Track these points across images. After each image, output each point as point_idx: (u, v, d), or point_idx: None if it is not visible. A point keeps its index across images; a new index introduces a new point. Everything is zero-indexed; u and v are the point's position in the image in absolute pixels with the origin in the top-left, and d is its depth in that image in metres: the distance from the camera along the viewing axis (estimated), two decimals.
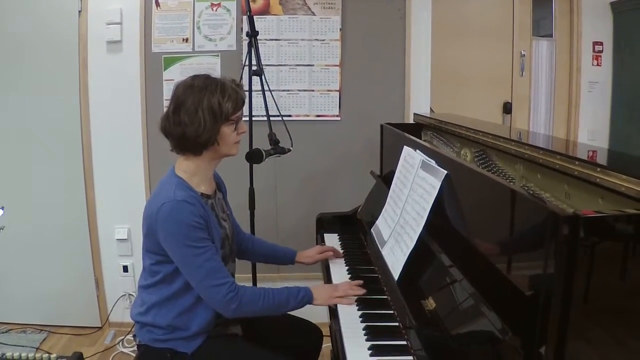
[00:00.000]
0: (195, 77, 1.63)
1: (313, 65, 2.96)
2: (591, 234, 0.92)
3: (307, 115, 2.99)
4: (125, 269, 3.09)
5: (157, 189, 1.65)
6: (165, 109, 1.67)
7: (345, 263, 2.07)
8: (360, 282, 1.77)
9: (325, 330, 1.90)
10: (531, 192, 1.38)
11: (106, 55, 2.91)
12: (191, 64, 2.92)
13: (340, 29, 2.93)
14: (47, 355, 1.81)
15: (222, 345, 1.68)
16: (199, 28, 2.91)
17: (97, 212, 3.04)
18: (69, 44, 2.88)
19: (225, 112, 1.59)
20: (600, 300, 0.96)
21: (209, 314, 1.63)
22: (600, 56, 3.36)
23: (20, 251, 3.03)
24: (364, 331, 1.51)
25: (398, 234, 1.68)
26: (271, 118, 2.37)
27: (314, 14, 2.91)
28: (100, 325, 3.12)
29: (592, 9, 3.33)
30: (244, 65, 2.43)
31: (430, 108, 3.05)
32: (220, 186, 1.84)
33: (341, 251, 2.16)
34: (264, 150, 2.23)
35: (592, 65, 3.37)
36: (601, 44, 3.34)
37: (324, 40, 2.94)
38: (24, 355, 1.82)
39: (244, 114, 1.74)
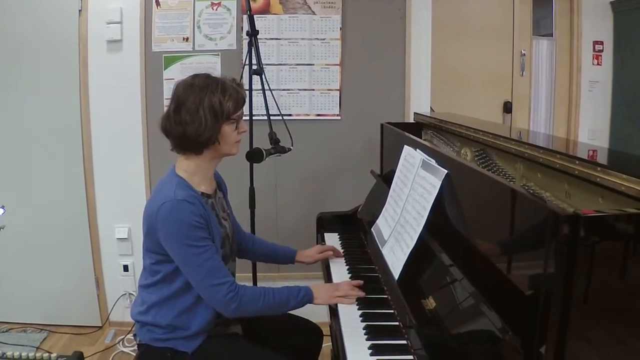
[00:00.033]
0: (195, 76, 1.63)
1: (313, 64, 2.96)
2: (591, 234, 0.92)
3: (308, 115, 2.99)
4: (126, 268, 3.10)
5: (157, 188, 1.65)
6: (165, 109, 1.67)
7: (345, 262, 2.07)
8: (361, 282, 1.76)
9: (326, 330, 1.90)
10: (531, 191, 1.38)
11: (106, 54, 2.91)
12: (191, 63, 2.91)
13: (340, 28, 2.93)
14: (47, 354, 1.81)
15: (223, 345, 1.68)
16: (199, 27, 2.91)
17: (98, 211, 3.04)
18: (69, 43, 2.88)
19: (226, 111, 1.59)
20: (601, 300, 0.96)
21: (209, 314, 1.63)
22: (601, 55, 3.35)
23: (20, 250, 3.03)
24: (364, 330, 1.51)
25: (398, 234, 1.68)
26: (271, 117, 2.37)
27: (314, 13, 2.91)
28: (100, 325, 3.12)
29: (592, 9, 3.33)
30: (244, 65, 2.43)
31: (431, 107, 3.05)
32: (220, 185, 1.84)
33: (341, 250, 2.16)
34: (264, 150, 2.23)
35: (593, 64, 3.36)
36: (601, 43, 3.34)
37: (324, 39, 2.94)
38: (24, 354, 1.82)
39: (244, 113, 1.74)
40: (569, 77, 3.43)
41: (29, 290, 3.08)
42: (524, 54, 3.56)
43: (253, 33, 2.36)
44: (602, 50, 3.35)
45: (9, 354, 1.83)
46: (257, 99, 2.51)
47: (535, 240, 1.03)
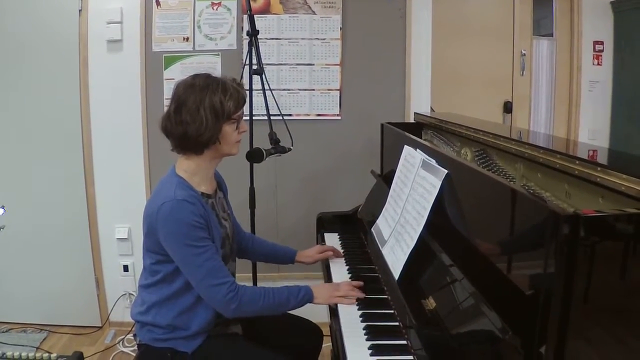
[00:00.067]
0: (195, 76, 1.63)
1: (313, 64, 2.96)
2: (591, 234, 0.92)
3: (308, 115, 2.99)
4: (126, 268, 3.09)
5: (157, 188, 1.65)
6: (165, 109, 1.67)
7: (345, 262, 2.07)
8: (361, 283, 1.76)
9: (326, 330, 1.90)
10: (531, 191, 1.38)
11: (106, 54, 2.91)
12: (191, 63, 2.91)
13: (340, 28, 2.93)
14: (47, 354, 1.81)
15: (223, 345, 1.68)
16: (199, 27, 2.91)
17: (98, 211, 3.04)
18: (69, 43, 2.88)
19: (227, 111, 1.59)
20: (601, 300, 0.96)
21: (210, 314, 1.63)
22: (601, 55, 3.35)
23: (20, 250, 3.03)
24: (364, 331, 1.51)
25: (398, 234, 1.68)
26: (272, 117, 2.37)
27: (314, 13, 2.91)
28: (100, 325, 3.12)
29: (592, 8, 3.33)
30: (245, 64, 2.43)
31: (431, 107, 3.05)
32: (221, 185, 1.84)
33: (341, 251, 2.16)
34: (265, 150, 2.23)
35: (593, 64, 3.36)
36: (602, 43, 3.34)
37: (324, 39, 2.94)
38: (24, 354, 1.82)
39: (245, 113, 1.74)
40: (569, 77, 3.42)
41: (28, 290, 3.08)
42: (524, 54, 3.56)
43: (253, 33, 2.36)
44: (602, 50, 3.35)
45: (8, 354, 1.83)
46: (257, 99, 2.51)
47: (535, 240, 1.03)
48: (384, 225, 1.86)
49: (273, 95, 2.44)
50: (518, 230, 1.16)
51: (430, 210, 1.51)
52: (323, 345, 1.97)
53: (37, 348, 2.86)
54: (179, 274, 1.58)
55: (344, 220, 2.47)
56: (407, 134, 2.16)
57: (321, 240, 2.38)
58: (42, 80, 2.91)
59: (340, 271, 2.00)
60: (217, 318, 1.65)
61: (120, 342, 2.95)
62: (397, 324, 1.55)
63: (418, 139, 2.01)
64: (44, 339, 2.96)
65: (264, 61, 2.46)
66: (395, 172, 1.91)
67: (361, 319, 1.59)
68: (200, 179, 1.66)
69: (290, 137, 2.34)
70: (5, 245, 2.89)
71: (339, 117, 3.00)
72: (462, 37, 3.48)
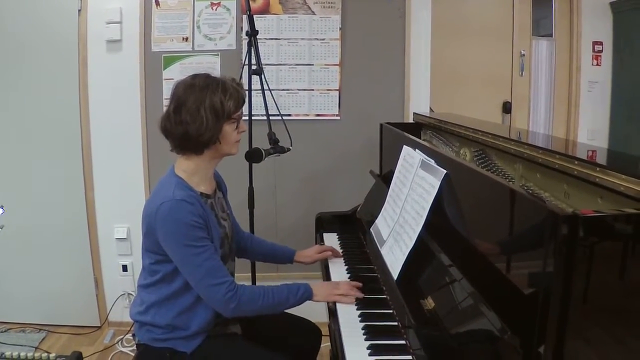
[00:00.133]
0: (195, 76, 1.63)
1: (313, 64, 2.96)
2: (590, 234, 0.92)
3: (307, 115, 2.99)
4: (125, 268, 3.09)
5: (156, 188, 1.65)
6: (165, 109, 1.67)
7: (344, 262, 2.07)
8: (360, 284, 1.76)
9: (325, 330, 1.90)
10: (530, 191, 1.38)
11: (106, 54, 2.91)
12: (191, 63, 2.91)
13: (340, 28, 2.93)
14: (46, 354, 1.82)
15: (222, 345, 1.68)
16: (198, 27, 2.91)
17: (97, 211, 3.04)
18: (68, 43, 2.88)
19: (227, 110, 1.59)
20: (599, 300, 0.96)
21: (209, 314, 1.63)
22: (600, 56, 3.36)
23: (19, 250, 3.03)
24: (363, 330, 1.51)
25: (397, 234, 1.68)
26: (271, 117, 2.37)
27: (313, 13, 2.91)
28: (99, 325, 3.12)
29: (591, 9, 3.33)
30: (244, 65, 2.43)
31: (430, 107, 3.05)
32: (220, 185, 1.84)
33: (340, 251, 2.16)
34: (264, 150, 2.23)
35: (592, 65, 3.37)
36: (601, 43, 3.35)
37: (323, 39, 2.94)
38: (23, 354, 1.83)
39: (244, 113, 1.74)
40: (569, 78, 3.43)
41: (28, 290, 3.07)
42: (524, 54, 3.56)
43: (252, 33, 2.36)
44: (601, 51, 3.35)
45: (7, 354, 1.83)
46: (257, 99, 2.51)
47: (534, 240, 1.03)
48: (382, 225, 1.86)
49: (272, 95, 2.44)
50: (517, 231, 1.16)
51: (429, 211, 1.51)
52: (322, 345, 1.97)
53: (36, 348, 2.85)
54: (178, 274, 1.58)
55: (343, 220, 2.47)
56: (406, 134, 2.16)
57: (320, 240, 2.38)
58: (42, 80, 2.91)
59: (339, 271, 2.00)
60: (216, 318, 1.65)
61: (119, 342, 2.95)
62: (396, 323, 1.55)
63: (417, 139, 2.01)
64: (43, 339, 2.96)
65: (263, 61, 2.47)
66: (394, 172, 1.91)
67: (360, 318, 1.59)
68: (199, 179, 1.66)
69: (290, 137, 2.34)
70: (5, 245, 2.89)
71: (338, 117, 3.00)
72: (461, 37, 3.49)
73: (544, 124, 3.65)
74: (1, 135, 2.97)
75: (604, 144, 3.38)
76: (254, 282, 2.52)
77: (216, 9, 2.90)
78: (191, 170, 1.64)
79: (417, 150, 1.78)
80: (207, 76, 1.62)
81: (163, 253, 1.57)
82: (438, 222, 1.53)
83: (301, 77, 2.96)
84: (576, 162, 1.17)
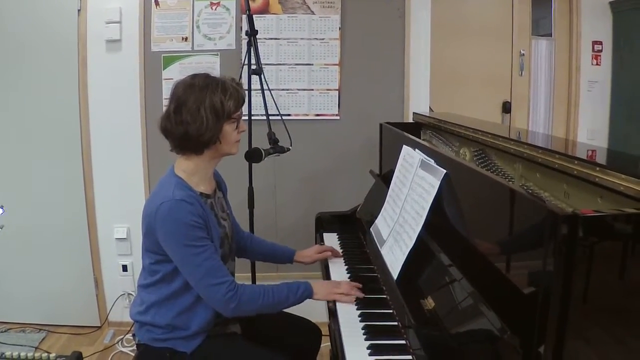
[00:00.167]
0: (194, 76, 1.63)
1: (312, 64, 2.96)
2: (590, 233, 0.92)
3: (307, 115, 2.99)
4: (125, 268, 3.09)
5: (156, 188, 1.65)
6: (164, 109, 1.67)
7: (344, 262, 2.07)
8: (360, 285, 1.76)
9: (325, 330, 1.90)
10: (530, 191, 1.38)
11: (105, 54, 2.91)
12: (190, 63, 2.91)
13: (339, 28, 2.93)
14: (46, 354, 1.82)
15: (222, 345, 1.68)
16: (198, 27, 2.91)
17: (97, 211, 3.04)
18: (68, 43, 2.88)
19: (228, 110, 1.59)
20: (599, 300, 0.96)
21: (209, 313, 1.63)
22: (600, 55, 3.36)
23: (19, 250, 3.03)
24: (363, 330, 1.51)
25: (397, 233, 1.68)
26: (270, 117, 2.37)
27: (313, 13, 2.91)
28: (99, 325, 3.12)
29: (591, 9, 3.33)
30: (244, 64, 2.43)
31: (430, 107, 3.05)
32: (220, 185, 1.84)
33: (340, 251, 2.16)
34: (263, 150, 2.23)
35: (592, 64, 3.37)
36: (600, 43, 3.35)
37: (323, 39, 2.94)
38: (23, 354, 1.82)
39: (244, 113, 1.74)
40: (568, 77, 3.43)
41: (27, 290, 3.07)
42: (523, 54, 3.56)
43: (252, 33, 2.36)
44: (601, 50, 3.35)
45: (7, 354, 1.83)
46: (256, 99, 2.50)
47: (534, 240, 1.03)
48: (382, 225, 1.86)
49: (272, 95, 2.44)
50: (517, 230, 1.16)
51: (429, 210, 1.51)
52: (322, 345, 1.97)
53: (36, 348, 2.85)
54: (178, 273, 1.58)
55: (342, 220, 2.47)
56: (405, 133, 2.16)
57: (320, 240, 2.38)
58: (41, 80, 2.91)
59: (339, 271, 2.00)
60: (216, 318, 1.65)
61: (119, 342, 2.95)
62: (395, 323, 1.55)
63: (417, 139, 2.01)
64: (43, 339, 2.96)
65: (262, 61, 2.47)
66: (394, 172, 1.91)
67: (360, 318, 1.59)
68: (198, 179, 1.66)
69: (289, 137, 2.34)
70: (4, 245, 2.89)
71: (338, 117, 3.00)
72: (461, 37, 3.49)
73: (544, 123, 3.65)
74: (1, 135, 2.97)
75: (604, 144, 3.38)
76: (254, 281, 2.52)
77: (216, 9, 2.90)
78: (191, 170, 1.64)
79: (416, 150, 1.78)
80: (206, 76, 1.62)
81: (163, 253, 1.57)
82: (438, 222, 1.53)
83: (301, 77, 2.96)
84: (576, 162, 1.17)
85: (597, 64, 3.36)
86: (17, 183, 2.99)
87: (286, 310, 1.74)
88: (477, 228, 1.38)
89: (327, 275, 1.99)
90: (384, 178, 2.30)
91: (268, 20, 2.90)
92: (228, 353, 1.66)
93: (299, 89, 2.97)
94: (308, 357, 1.91)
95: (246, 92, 1.77)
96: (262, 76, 2.36)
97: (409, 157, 1.81)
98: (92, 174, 3.00)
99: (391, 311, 1.62)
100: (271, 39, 2.92)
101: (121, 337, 2.98)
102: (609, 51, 3.34)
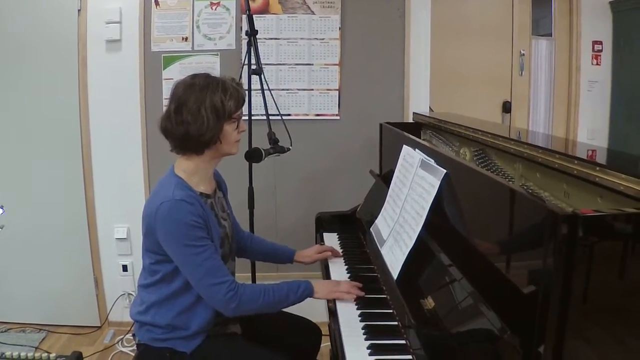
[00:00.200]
0: (194, 76, 1.63)
1: (312, 64, 2.96)
2: (590, 233, 0.92)
3: (307, 115, 2.99)
4: (125, 268, 3.09)
5: (156, 188, 1.65)
6: (164, 109, 1.67)
7: (344, 262, 2.07)
8: (361, 285, 1.76)
9: (325, 329, 1.90)
10: (530, 191, 1.38)
11: (105, 54, 2.91)
12: (190, 63, 2.91)
13: (339, 28, 2.93)
14: (46, 354, 1.81)
15: (222, 345, 1.68)
16: (198, 27, 2.91)
17: (97, 211, 3.04)
18: (68, 43, 2.88)
19: (228, 110, 1.59)
20: (599, 299, 0.96)
21: (209, 313, 1.63)
22: (600, 55, 3.36)
23: (19, 250, 3.03)
24: (363, 330, 1.51)
25: (397, 233, 1.68)
26: (270, 117, 2.37)
27: (313, 13, 2.91)
28: (99, 325, 3.12)
29: (591, 8, 3.33)
30: (244, 64, 2.43)
31: (430, 107, 3.05)
32: (220, 185, 1.84)
33: (340, 250, 2.16)
34: (264, 150, 2.23)
35: (592, 64, 3.37)
36: (600, 43, 3.35)
37: (323, 39, 2.94)
38: (23, 354, 1.82)
39: (244, 113, 1.74)
40: (568, 77, 3.43)
41: (28, 290, 3.07)
42: (523, 54, 3.56)
43: (252, 33, 2.36)
44: (601, 50, 3.35)
45: (7, 354, 1.83)
46: (256, 99, 2.50)
47: (534, 239, 1.03)
48: (382, 225, 1.86)
49: (272, 95, 2.44)
50: (517, 230, 1.16)
51: (429, 210, 1.51)
52: (322, 345, 1.97)
53: (36, 348, 2.85)
54: (178, 273, 1.58)
55: (342, 220, 2.47)
56: (405, 133, 2.16)
57: (320, 240, 2.38)
58: (42, 80, 2.91)
59: (339, 271, 2.00)
60: (216, 318, 1.65)
61: (119, 342, 2.95)
62: (396, 323, 1.55)
63: (417, 139, 2.01)
64: (43, 339, 2.96)
65: (262, 61, 2.47)
66: (394, 171, 1.91)
67: (360, 318, 1.59)
68: (199, 179, 1.66)
69: (289, 137, 2.34)
70: (5, 245, 2.89)
71: (338, 117, 3.00)
72: (461, 37, 3.49)
73: (544, 123, 3.65)
74: (1, 135, 2.97)
75: (604, 144, 3.38)
76: (254, 281, 2.52)
77: (216, 9, 2.90)
78: (191, 170, 1.64)
79: (416, 149, 1.78)
80: (206, 76, 1.62)
81: (163, 253, 1.57)
82: (438, 222, 1.53)
83: (301, 77, 2.96)
84: (576, 162, 1.17)
85: (597, 64, 3.36)
86: (17, 183, 2.99)
87: (286, 310, 1.74)
88: (477, 228, 1.38)
89: (327, 275, 1.99)
90: (384, 178, 2.30)
91: (268, 20, 2.91)
92: (228, 353, 1.66)
93: (299, 89, 2.97)
94: (308, 356, 1.91)
95: (246, 92, 1.77)
96: (262, 76, 2.36)
97: (409, 157, 1.81)
98: (92, 174, 3.00)
99: (391, 311, 1.62)
100: (271, 39, 2.92)
101: (121, 337, 2.98)
102: (609, 51, 3.34)
